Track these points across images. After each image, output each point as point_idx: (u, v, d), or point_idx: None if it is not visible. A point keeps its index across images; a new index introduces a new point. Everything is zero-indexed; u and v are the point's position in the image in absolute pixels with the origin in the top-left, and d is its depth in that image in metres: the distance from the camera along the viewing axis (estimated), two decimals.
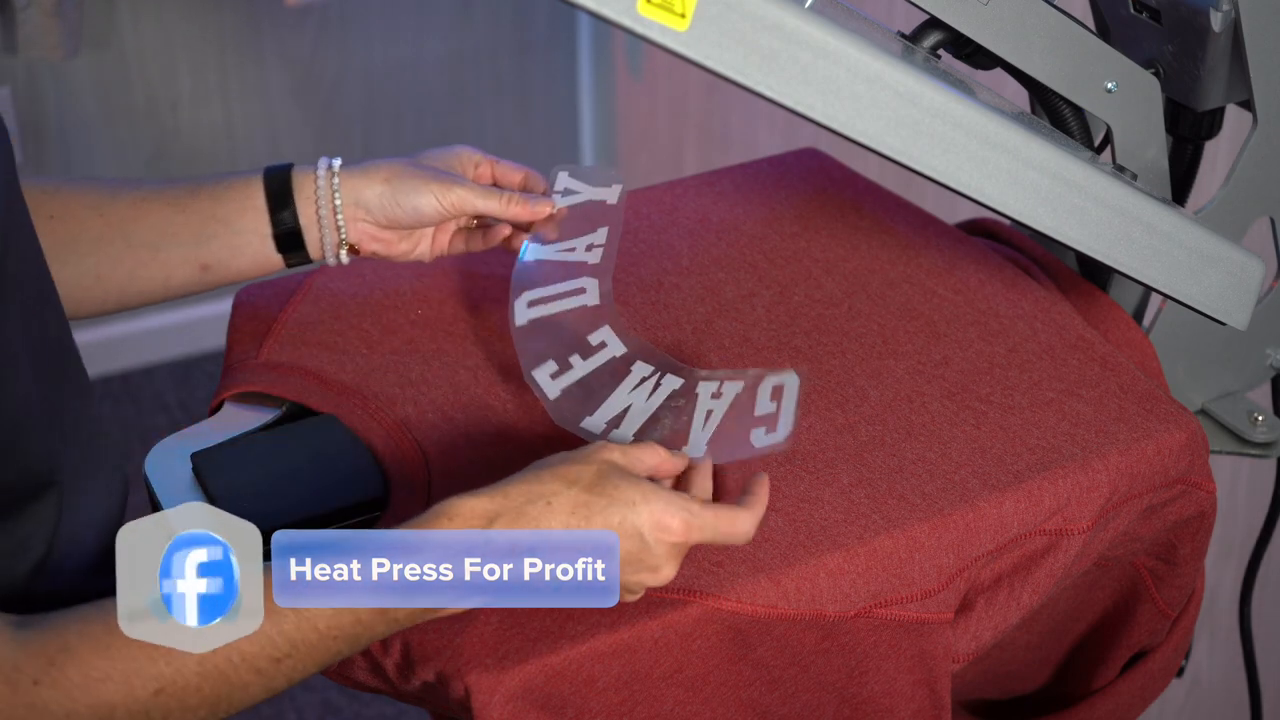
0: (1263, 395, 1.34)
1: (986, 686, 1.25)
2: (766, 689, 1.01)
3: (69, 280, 1.09)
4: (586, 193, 1.18)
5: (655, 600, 0.98)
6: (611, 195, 1.18)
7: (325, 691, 2.37)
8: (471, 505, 0.89)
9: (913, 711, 1.05)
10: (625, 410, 1.05)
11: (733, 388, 1.06)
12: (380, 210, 1.12)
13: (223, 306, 2.84)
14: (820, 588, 1.00)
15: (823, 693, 1.03)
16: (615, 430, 1.04)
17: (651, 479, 0.96)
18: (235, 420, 1.13)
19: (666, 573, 0.92)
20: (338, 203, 1.12)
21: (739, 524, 0.94)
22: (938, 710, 1.06)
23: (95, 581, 0.95)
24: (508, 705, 0.94)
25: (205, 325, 3.00)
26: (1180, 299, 1.13)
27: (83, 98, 2.75)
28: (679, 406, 1.06)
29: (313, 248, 1.13)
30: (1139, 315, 1.30)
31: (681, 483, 0.99)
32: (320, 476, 1.07)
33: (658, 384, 1.07)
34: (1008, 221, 1.32)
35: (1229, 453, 1.27)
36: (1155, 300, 1.25)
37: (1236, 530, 1.81)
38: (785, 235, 1.31)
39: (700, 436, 1.03)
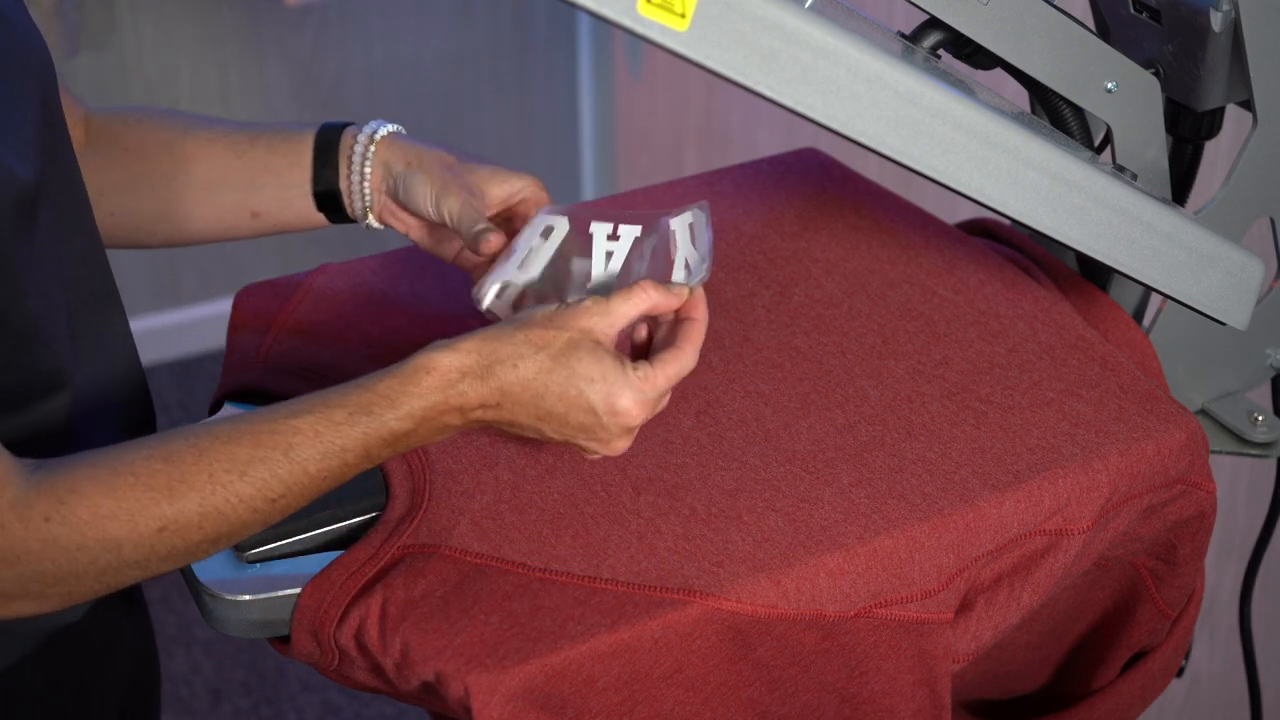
0: (1263, 395, 1.34)
1: (986, 686, 1.25)
2: (766, 689, 1.01)
3: (135, 211, 1.12)
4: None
5: (655, 600, 0.98)
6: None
7: (325, 691, 2.36)
8: (448, 361, 0.93)
9: (913, 711, 1.05)
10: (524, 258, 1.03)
11: (630, 231, 1.03)
12: (393, 189, 1.12)
13: (223, 306, 2.84)
14: (820, 588, 1.00)
15: (823, 693, 1.03)
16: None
17: (649, 337, 1.01)
18: None
19: (618, 445, 0.98)
20: (366, 170, 1.12)
21: (686, 363, 0.98)
22: (938, 710, 1.06)
23: None
24: (507, 705, 0.94)
25: (205, 325, 3.00)
26: (1180, 299, 1.13)
27: (83, 97, 2.75)
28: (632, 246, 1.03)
29: (349, 210, 1.14)
30: (1139, 315, 1.30)
31: (674, 335, 1.00)
32: None
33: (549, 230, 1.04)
34: (1008, 221, 1.32)
35: (1229, 453, 1.27)
36: (1155, 300, 1.25)
37: (1236, 530, 1.81)
38: (785, 235, 1.31)
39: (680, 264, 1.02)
